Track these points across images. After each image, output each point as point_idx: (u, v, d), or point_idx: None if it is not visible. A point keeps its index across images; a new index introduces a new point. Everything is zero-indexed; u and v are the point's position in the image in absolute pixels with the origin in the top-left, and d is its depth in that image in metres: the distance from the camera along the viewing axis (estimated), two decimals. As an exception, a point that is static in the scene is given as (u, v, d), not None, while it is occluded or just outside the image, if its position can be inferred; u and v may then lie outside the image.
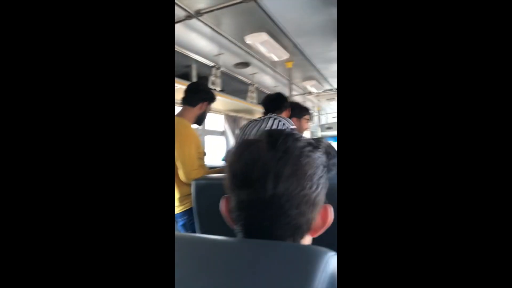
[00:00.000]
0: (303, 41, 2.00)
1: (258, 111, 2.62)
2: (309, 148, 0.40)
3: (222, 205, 0.44)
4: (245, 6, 1.50)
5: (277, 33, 1.85)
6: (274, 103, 1.64)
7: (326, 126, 5.77)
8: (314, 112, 4.88)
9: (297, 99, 3.89)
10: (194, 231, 0.89)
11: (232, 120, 3.10)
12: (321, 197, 0.41)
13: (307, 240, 0.42)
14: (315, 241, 0.42)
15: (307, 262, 0.30)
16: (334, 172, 0.42)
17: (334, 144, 0.45)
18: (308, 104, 4.47)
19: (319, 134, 5.80)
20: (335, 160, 0.42)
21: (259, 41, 1.90)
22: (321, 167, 0.40)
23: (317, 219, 0.41)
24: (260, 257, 0.33)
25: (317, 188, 0.39)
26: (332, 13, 1.57)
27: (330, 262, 0.30)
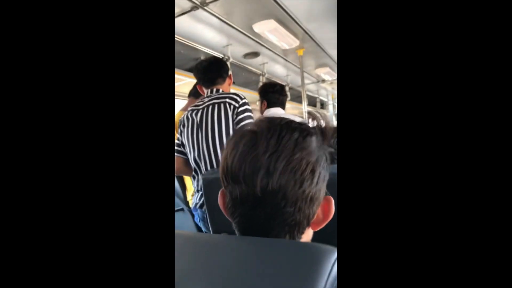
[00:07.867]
0: (313, 27, 1.93)
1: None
2: (303, 136, 0.36)
3: (220, 199, 0.41)
4: (252, -7, 1.46)
5: (286, 20, 1.79)
6: (210, 73, 1.32)
7: (342, 114, 5.66)
8: (328, 100, 4.78)
9: (310, 87, 3.81)
10: None
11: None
12: (321, 191, 0.38)
13: (308, 234, 0.39)
14: (316, 234, 0.40)
15: (312, 262, 0.28)
16: (334, 164, 0.38)
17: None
18: (322, 93, 4.38)
19: (335, 123, 5.66)
20: (331, 147, 0.39)
21: (267, 29, 1.84)
22: (321, 159, 0.37)
23: (318, 212, 0.38)
24: (260, 255, 0.31)
25: (317, 183, 0.36)
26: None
27: (335, 262, 0.28)
